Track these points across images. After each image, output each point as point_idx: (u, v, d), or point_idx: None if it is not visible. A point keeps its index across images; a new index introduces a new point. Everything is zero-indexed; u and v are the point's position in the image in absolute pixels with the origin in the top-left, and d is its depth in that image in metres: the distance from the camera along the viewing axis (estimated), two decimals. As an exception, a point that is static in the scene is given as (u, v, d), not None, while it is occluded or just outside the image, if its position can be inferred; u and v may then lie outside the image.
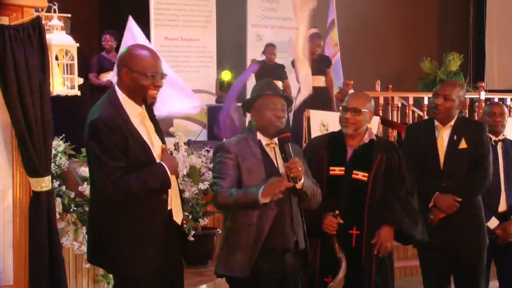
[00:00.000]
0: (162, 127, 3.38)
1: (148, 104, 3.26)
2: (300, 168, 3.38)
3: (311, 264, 3.75)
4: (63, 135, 5.06)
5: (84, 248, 4.67)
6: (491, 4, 12.90)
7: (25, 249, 3.84)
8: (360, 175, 3.87)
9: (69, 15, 4.90)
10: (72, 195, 4.74)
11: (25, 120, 3.66)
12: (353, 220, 3.84)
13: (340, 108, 4.04)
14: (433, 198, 4.20)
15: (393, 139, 8.36)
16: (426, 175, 4.25)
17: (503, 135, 4.75)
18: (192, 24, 9.64)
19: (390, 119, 8.66)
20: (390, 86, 9.71)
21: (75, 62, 4.08)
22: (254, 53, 10.00)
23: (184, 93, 7.44)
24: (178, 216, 3.32)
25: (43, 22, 3.80)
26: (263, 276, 3.41)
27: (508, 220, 4.58)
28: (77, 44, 4.17)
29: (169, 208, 3.26)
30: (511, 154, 4.69)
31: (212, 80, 9.46)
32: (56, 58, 4.10)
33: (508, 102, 9.26)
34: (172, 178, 3.24)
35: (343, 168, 3.89)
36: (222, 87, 9.29)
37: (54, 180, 4.46)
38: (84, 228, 4.69)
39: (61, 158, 4.77)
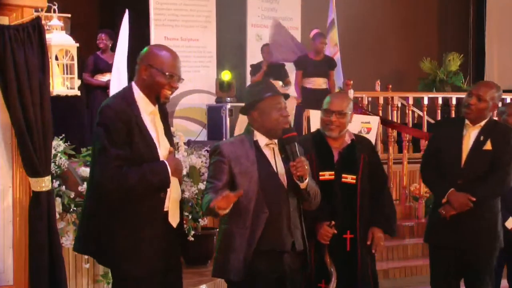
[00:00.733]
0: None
1: (161, 104, 3.29)
2: (306, 167, 3.38)
3: (308, 269, 3.75)
4: (63, 135, 5.06)
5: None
6: (491, 4, 12.90)
7: (25, 249, 3.84)
8: (349, 178, 3.88)
9: (69, 15, 4.90)
10: (72, 195, 4.74)
11: (25, 120, 3.66)
12: (346, 224, 3.85)
13: (321, 110, 3.99)
14: (447, 194, 4.17)
15: (392, 139, 8.37)
16: (445, 171, 4.23)
17: None
18: (192, 24, 9.64)
19: (390, 119, 8.66)
20: (390, 86, 9.72)
21: (75, 62, 4.08)
22: (254, 53, 9.99)
23: None
24: (174, 219, 3.32)
25: (43, 22, 3.80)
26: (260, 277, 3.41)
27: None
28: (77, 44, 4.18)
29: (165, 209, 3.26)
30: None
31: (212, 80, 9.46)
32: (56, 58, 4.10)
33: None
34: (175, 182, 3.25)
35: (333, 173, 3.88)
36: (222, 87, 9.29)
37: (54, 180, 4.46)
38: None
39: (61, 158, 4.77)
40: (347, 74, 9.64)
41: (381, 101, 8.49)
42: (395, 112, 8.80)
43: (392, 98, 8.84)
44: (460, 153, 4.20)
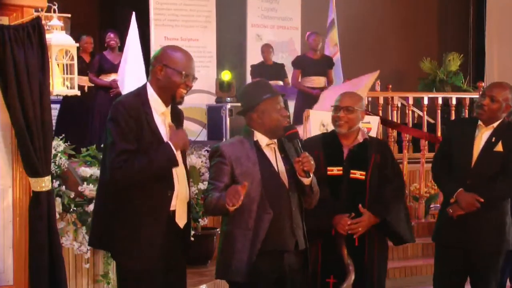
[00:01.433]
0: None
1: (176, 104, 3.33)
2: (312, 162, 3.39)
3: (312, 265, 3.75)
4: (63, 135, 5.07)
5: (84, 248, 4.68)
6: (491, 4, 12.89)
7: (25, 249, 3.84)
8: (358, 174, 3.89)
9: (69, 15, 4.88)
10: (72, 195, 4.74)
11: (25, 120, 3.66)
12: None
13: (332, 107, 4.03)
14: (455, 193, 4.17)
15: (392, 139, 8.37)
16: (455, 171, 4.23)
17: None
18: (192, 24, 9.64)
19: (390, 119, 8.66)
20: (390, 86, 9.72)
21: (75, 62, 4.08)
22: (254, 53, 10.00)
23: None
24: (181, 220, 3.34)
25: (43, 22, 3.80)
26: (261, 277, 3.41)
27: None
28: (77, 44, 4.17)
29: (172, 209, 3.27)
30: None
31: (212, 80, 9.46)
32: (56, 58, 4.09)
33: (508, 102, 9.26)
34: (183, 182, 3.30)
35: (341, 168, 3.90)
36: (222, 87, 9.28)
37: (54, 180, 4.46)
38: (84, 228, 4.70)
39: (61, 158, 4.77)
40: (347, 74, 9.63)
41: (381, 101, 8.49)
42: (395, 112, 8.80)
43: (392, 98, 8.84)
44: (471, 154, 4.20)
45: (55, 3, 4.09)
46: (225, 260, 3.48)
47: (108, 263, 4.85)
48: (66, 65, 4.06)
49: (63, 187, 4.71)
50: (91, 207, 4.57)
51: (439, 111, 8.80)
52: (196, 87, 10.26)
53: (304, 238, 3.57)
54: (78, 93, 4.22)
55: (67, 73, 4.06)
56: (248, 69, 9.96)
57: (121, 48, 8.20)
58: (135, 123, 3.16)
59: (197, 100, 9.50)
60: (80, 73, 8.26)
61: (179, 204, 3.30)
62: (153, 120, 3.23)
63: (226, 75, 9.32)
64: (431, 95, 9.36)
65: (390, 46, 11.99)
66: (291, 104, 8.69)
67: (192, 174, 5.70)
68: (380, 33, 11.95)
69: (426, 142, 8.11)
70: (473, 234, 4.16)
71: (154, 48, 8.92)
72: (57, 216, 4.35)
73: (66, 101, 8.45)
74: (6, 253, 3.84)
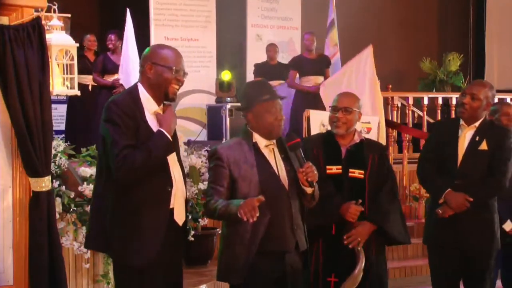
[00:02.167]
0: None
1: (169, 101, 3.33)
2: (315, 172, 3.39)
3: (314, 264, 3.75)
4: (63, 135, 5.07)
5: (84, 248, 4.67)
6: (491, 4, 12.90)
7: (25, 249, 3.84)
8: (357, 173, 3.91)
9: (69, 15, 4.89)
10: (72, 195, 4.74)
11: (25, 120, 3.66)
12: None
13: (330, 107, 4.04)
14: (444, 194, 4.18)
15: (392, 139, 8.37)
16: (441, 172, 4.24)
17: None
18: (192, 24, 9.64)
19: (390, 119, 8.66)
20: (390, 86, 9.71)
21: (75, 62, 4.08)
22: (254, 53, 10.00)
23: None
24: (179, 217, 3.34)
25: (43, 22, 3.80)
26: (262, 277, 3.41)
27: None
28: (77, 44, 4.17)
29: (171, 206, 3.28)
30: None
31: (212, 80, 9.46)
32: (56, 58, 4.09)
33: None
34: (179, 180, 3.30)
35: (340, 167, 3.91)
36: (222, 87, 9.29)
37: (54, 180, 4.46)
38: (84, 228, 4.70)
39: (61, 158, 4.77)
40: (347, 74, 9.61)
41: (381, 101, 8.48)
42: (395, 112, 8.80)
43: (392, 98, 8.84)
44: (456, 154, 4.21)
45: (55, 3, 4.09)
46: (225, 262, 3.49)
47: (108, 263, 4.85)
48: (66, 65, 4.05)
49: (63, 187, 4.71)
50: (91, 207, 4.57)
51: (439, 111, 8.81)
52: (196, 87, 10.32)
53: (305, 238, 3.57)
54: (78, 93, 4.22)
55: (67, 73, 4.06)
56: (248, 69, 9.96)
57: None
58: (131, 121, 3.17)
59: (197, 100, 9.51)
60: (85, 72, 8.34)
61: (177, 202, 3.31)
62: (146, 119, 3.23)
63: (226, 75, 9.33)
64: (431, 95, 9.36)
65: (390, 46, 11.97)
66: (288, 106, 8.64)
67: (192, 174, 5.71)
68: (380, 33, 11.94)
69: (426, 142, 8.11)
70: (467, 233, 4.17)
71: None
72: (57, 216, 4.35)
73: (71, 101, 8.49)
74: (6, 253, 3.83)
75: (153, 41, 9.12)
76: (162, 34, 9.28)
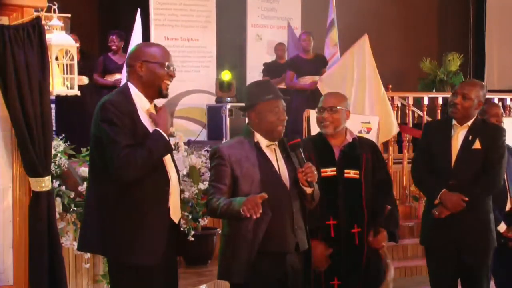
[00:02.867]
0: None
1: (163, 97, 3.34)
2: (315, 172, 3.39)
3: (315, 268, 3.75)
4: (63, 135, 5.07)
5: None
6: (491, 4, 12.90)
7: (25, 249, 3.84)
8: (352, 173, 3.90)
9: (69, 15, 4.89)
10: (72, 195, 4.74)
11: (25, 120, 3.67)
12: (353, 218, 3.86)
13: (316, 109, 4.03)
14: (439, 194, 4.18)
15: (392, 139, 8.36)
16: (435, 172, 4.25)
17: None
18: (192, 24, 9.63)
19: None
20: (390, 86, 9.71)
21: (75, 62, 4.08)
22: (254, 53, 10.00)
23: None
24: (175, 215, 3.35)
25: (43, 22, 3.80)
26: (263, 278, 3.41)
27: None
28: (77, 44, 4.17)
29: (168, 205, 3.28)
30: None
31: (212, 80, 9.46)
32: (56, 58, 4.10)
33: (508, 102, 9.27)
34: (174, 178, 3.29)
35: (334, 169, 3.89)
36: (222, 87, 9.29)
37: (54, 180, 4.46)
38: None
39: (61, 158, 4.77)
40: (347, 74, 9.61)
41: (381, 101, 8.47)
42: (395, 112, 8.79)
43: (392, 98, 8.82)
44: (450, 154, 4.22)
45: (55, 3, 4.09)
46: (226, 262, 3.49)
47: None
48: (66, 65, 4.05)
49: (63, 187, 4.71)
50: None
51: (439, 111, 8.80)
52: (196, 87, 10.31)
53: (307, 238, 3.57)
54: (78, 93, 4.22)
55: (67, 73, 4.06)
56: (248, 69, 9.96)
57: (124, 48, 8.20)
58: (128, 119, 3.16)
59: (197, 100, 9.51)
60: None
61: (173, 199, 3.31)
62: (139, 117, 3.23)
63: (226, 75, 9.32)
64: (431, 95, 9.36)
65: (390, 46, 11.97)
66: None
67: (192, 174, 5.71)
68: (380, 33, 11.93)
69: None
70: (463, 233, 4.17)
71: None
72: (57, 216, 4.35)
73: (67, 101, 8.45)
74: (6, 253, 3.84)
75: (153, 41, 9.10)
76: (162, 34, 9.28)
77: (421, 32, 12.77)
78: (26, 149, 3.70)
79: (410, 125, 8.77)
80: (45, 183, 3.80)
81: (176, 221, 3.36)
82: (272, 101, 3.48)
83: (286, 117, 3.54)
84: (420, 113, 9.48)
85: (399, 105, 8.94)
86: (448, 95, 9.43)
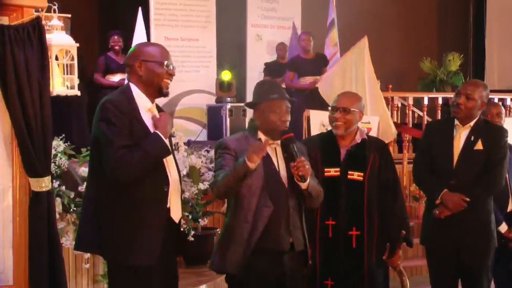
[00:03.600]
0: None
1: (163, 96, 3.34)
2: (307, 167, 3.39)
3: (310, 267, 3.74)
4: (63, 135, 5.07)
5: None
6: (491, 4, 12.90)
7: (25, 249, 3.84)
8: (356, 175, 3.87)
9: (69, 15, 4.90)
10: (72, 195, 4.75)
11: (25, 120, 3.67)
12: (352, 221, 3.85)
13: (329, 108, 4.02)
14: (440, 195, 4.18)
15: (392, 139, 8.36)
16: (437, 172, 4.25)
17: None
18: (192, 24, 9.63)
19: (390, 119, 8.65)
20: (390, 86, 9.71)
21: (75, 62, 4.09)
22: (254, 53, 10.00)
23: None
24: (176, 214, 3.35)
25: (43, 22, 3.80)
26: (259, 276, 3.41)
27: None
28: (77, 44, 4.18)
29: (168, 205, 3.28)
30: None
31: (212, 80, 9.46)
32: (56, 58, 4.10)
33: (508, 102, 9.27)
34: (174, 177, 3.30)
35: (338, 169, 3.88)
36: (222, 87, 9.28)
37: (54, 180, 4.47)
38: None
39: (61, 158, 4.78)
40: (347, 74, 9.61)
41: (381, 101, 8.47)
42: (395, 112, 8.80)
43: (392, 98, 8.83)
44: (452, 154, 4.22)
45: (55, 3, 4.09)
46: (221, 250, 3.48)
47: (108, 263, 4.85)
48: (66, 65, 4.06)
49: (63, 187, 4.71)
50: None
51: (439, 111, 8.80)
52: (196, 87, 10.30)
53: (303, 239, 3.57)
54: (78, 93, 4.23)
55: (67, 73, 4.07)
56: (248, 69, 9.95)
57: (125, 49, 8.19)
58: (127, 119, 3.16)
59: (197, 100, 9.50)
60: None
61: (173, 198, 3.31)
62: (141, 117, 3.23)
63: (226, 75, 9.32)
64: (431, 95, 9.36)
65: (390, 46, 11.97)
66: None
67: (192, 174, 5.71)
68: (380, 33, 11.94)
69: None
70: (464, 233, 4.17)
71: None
72: (57, 216, 4.35)
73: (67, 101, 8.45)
74: (6, 253, 3.84)
75: (153, 41, 9.10)
76: (162, 34, 9.28)
77: (421, 32, 12.77)
78: (26, 149, 3.70)
79: (410, 125, 8.77)
80: (45, 183, 3.80)
81: (177, 220, 3.36)
82: (276, 101, 3.50)
83: (289, 118, 3.55)
84: (420, 113, 9.47)
85: (399, 105, 8.94)
86: (448, 95, 9.49)
